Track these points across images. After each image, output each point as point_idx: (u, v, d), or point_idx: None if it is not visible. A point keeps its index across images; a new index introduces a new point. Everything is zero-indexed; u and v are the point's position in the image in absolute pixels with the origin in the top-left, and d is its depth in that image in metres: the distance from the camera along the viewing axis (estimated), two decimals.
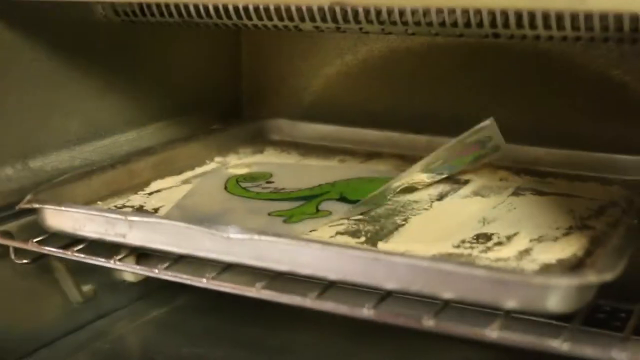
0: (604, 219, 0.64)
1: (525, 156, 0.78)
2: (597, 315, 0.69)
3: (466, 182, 0.74)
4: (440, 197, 0.71)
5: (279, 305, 0.57)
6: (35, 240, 0.66)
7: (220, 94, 0.95)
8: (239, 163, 0.82)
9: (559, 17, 0.60)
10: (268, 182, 0.75)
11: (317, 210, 0.67)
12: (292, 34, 0.72)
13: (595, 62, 0.78)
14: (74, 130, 0.77)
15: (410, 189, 0.72)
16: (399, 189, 0.71)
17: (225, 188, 0.74)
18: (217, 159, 0.83)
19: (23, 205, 0.66)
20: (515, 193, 0.72)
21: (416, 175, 0.71)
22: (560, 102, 0.81)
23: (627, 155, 0.75)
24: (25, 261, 0.69)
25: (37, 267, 0.72)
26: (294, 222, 0.65)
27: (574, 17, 0.60)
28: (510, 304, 0.50)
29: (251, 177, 0.77)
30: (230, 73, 0.95)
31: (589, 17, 0.60)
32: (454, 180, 0.75)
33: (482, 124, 0.70)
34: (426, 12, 0.64)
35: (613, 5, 0.44)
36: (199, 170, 0.80)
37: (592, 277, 0.49)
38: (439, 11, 0.63)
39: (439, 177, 0.73)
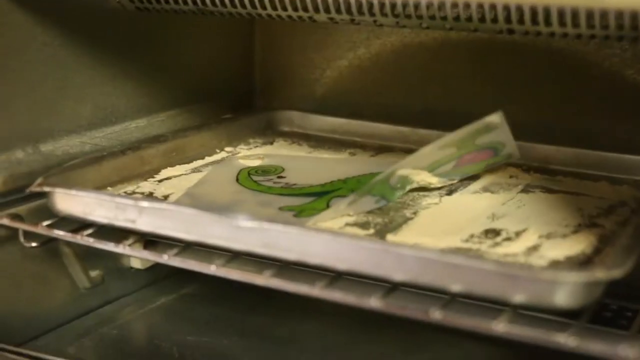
0: (613, 218, 0.64)
1: (535, 154, 0.78)
2: (604, 313, 0.69)
3: (476, 178, 0.74)
4: (450, 192, 0.71)
5: (286, 295, 0.57)
6: (44, 223, 0.66)
7: (232, 84, 0.95)
8: (250, 154, 0.82)
9: (574, 14, 0.60)
10: (279, 177, 0.75)
11: (328, 206, 0.67)
12: (306, 25, 0.72)
13: (609, 61, 0.78)
14: (85, 116, 0.77)
15: (420, 189, 0.71)
16: (408, 189, 0.70)
17: (237, 180, 0.74)
18: (228, 148, 0.83)
19: (33, 188, 0.66)
20: (525, 190, 0.72)
21: (427, 177, 0.71)
22: (572, 100, 0.81)
23: (637, 156, 0.75)
24: (34, 244, 0.69)
25: (46, 251, 0.72)
26: (304, 216, 0.65)
27: (589, 14, 0.60)
28: (518, 298, 0.50)
29: (263, 171, 0.76)
30: (243, 63, 0.95)
31: (604, 14, 0.59)
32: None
33: (490, 119, 0.69)
34: (441, 6, 0.63)
35: (629, 3, 0.44)
36: (209, 159, 0.80)
37: (600, 274, 0.49)
38: (454, 5, 0.63)
39: (450, 182, 0.72)
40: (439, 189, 0.72)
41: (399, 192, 0.70)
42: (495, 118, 0.69)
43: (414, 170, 0.70)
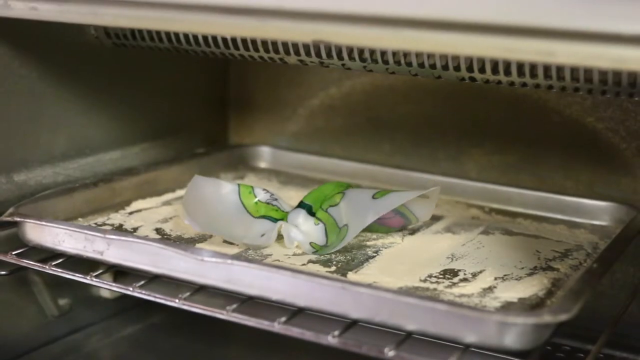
0: (568, 262, 0.67)
1: (497, 196, 0.80)
2: (557, 354, 0.71)
3: (439, 218, 0.76)
4: (412, 232, 0.73)
5: (253, 326, 0.59)
6: (14, 252, 0.67)
7: (206, 119, 0.96)
8: None
9: (533, 66, 0.63)
10: None
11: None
12: (279, 64, 0.74)
13: (570, 109, 0.81)
14: (59, 147, 0.78)
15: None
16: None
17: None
18: None
19: (4, 217, 0.68)
20: (485, 231, 0.74)
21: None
22: (535, 145, 0.83)
23: (595, 201, 0.78)
24: (3, 273, 0.70)
25: (15, 279, 0.73)
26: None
27: (547, 67, 0.62)
28: (470, 338, 0.52)
29: None
30: (217, 98, 0.97)
31: (560, 68, 0.62)
32: None
33: (430, 191, 0.70)
34: (406, 53, 0.66)
35: (579, 60, 0.46)
36: (180, 192, 0.81)
37: (547, 317, 0.51)
38: (419, 53, 0.66)
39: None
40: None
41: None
42: (433, 193, 0.70)
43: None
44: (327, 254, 0.67)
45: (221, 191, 0.70)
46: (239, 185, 0.71)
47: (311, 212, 0.69)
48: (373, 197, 0.69)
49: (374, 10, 0.49)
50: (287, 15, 0.52)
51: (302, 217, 0.68)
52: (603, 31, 0.44)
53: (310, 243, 0.67)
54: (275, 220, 0.69)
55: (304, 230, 0.68)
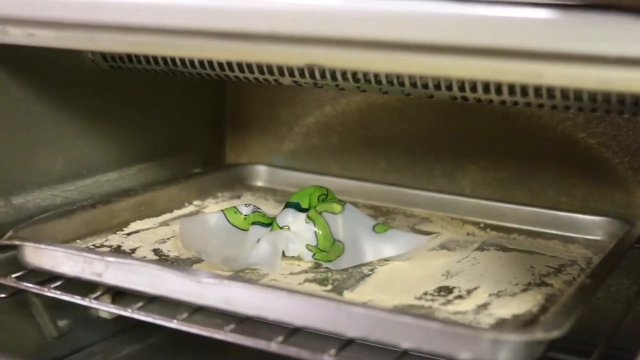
0: (562, 277, 0.67)
1: (492, 212, 0.81)
2: None
3: (434, 235, 0.77)
4: None
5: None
6: (14, 275, 0.68)
7: (203, 139, 0.97)
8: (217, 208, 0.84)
9: (523, 86, 0.64)
10: None
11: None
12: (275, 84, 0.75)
13: (562, 125, 0.82)
14: (57, 169, 0.79)
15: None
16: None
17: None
18: (196, 202, 0.85)
19: (3, 241, 0.68)
20: (480, 248, 0.74)
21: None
22: (528, 161, 0.84)
23: (589, 216, 0.78)
24: (3, 295, 0.70)
25: (14, 301, 0.73)
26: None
27: (537, 86, 0.63)
28: (464, 356, 0.53)
29: None
30: (214, 118, 0.98)
31: (551, 87, 0.63)
32: (423, 232, 0.77)
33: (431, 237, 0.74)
34: (399, 75, 0.67)
35: (566, 81, 0.47)
36: (177, 212, 0.82)
37: (539, 334, 0.52)
38: (411, 75, 0.67)
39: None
40: None
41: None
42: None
43: None
44: (323, 271, 0.68)
45: (209, 225, 0.71)
46: (222, 211, 0.72)
47: (300, 209, 0.71)
48: (374, 230, 0.71)
49: (365, 34, 0.50)
50: (281, 39, 0.53)
51: (290, 215, 0.70)
52: (589, 53, 0.45)
53: (306, 246, 0.69)
54: (265, 224, 0.71)
55: (295, 230, 0.69)
